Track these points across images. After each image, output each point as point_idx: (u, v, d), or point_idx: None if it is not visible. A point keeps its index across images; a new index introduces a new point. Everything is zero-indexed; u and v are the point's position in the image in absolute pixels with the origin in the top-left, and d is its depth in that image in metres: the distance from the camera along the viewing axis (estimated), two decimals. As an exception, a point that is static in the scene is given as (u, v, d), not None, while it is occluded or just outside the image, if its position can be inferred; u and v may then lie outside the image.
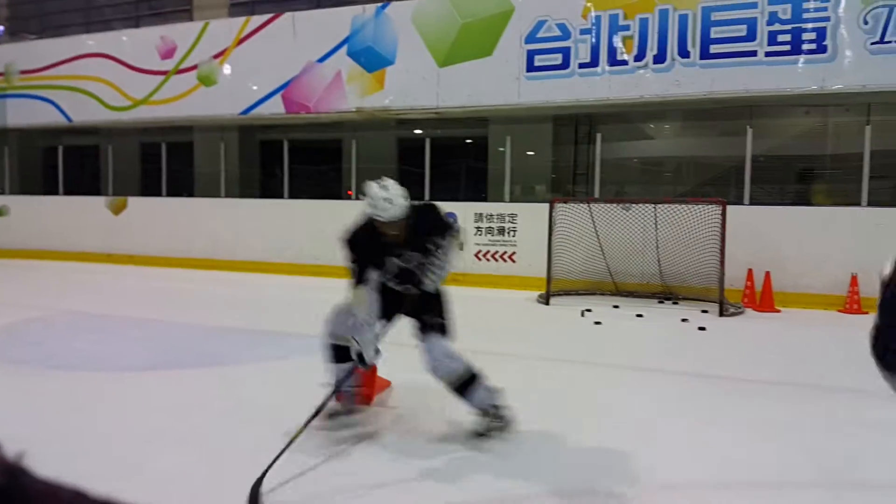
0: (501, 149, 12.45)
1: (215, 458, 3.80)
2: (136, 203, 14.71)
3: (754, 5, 9.56)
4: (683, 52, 9.96)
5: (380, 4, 11.90)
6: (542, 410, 4.54)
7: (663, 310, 9.39)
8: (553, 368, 6.03)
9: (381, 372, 4.86)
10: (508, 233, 11.22)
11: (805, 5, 9.33)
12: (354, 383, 4.39)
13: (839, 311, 9.23)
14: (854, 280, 9.15)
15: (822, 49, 9.30)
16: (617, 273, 10.32)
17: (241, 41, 13.05)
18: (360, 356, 3.94)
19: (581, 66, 10.56)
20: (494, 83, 11.11)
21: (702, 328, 7.97)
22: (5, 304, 9.04)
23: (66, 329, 7.51)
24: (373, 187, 3.89)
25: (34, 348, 6.55)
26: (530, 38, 10.85)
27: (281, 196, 13.89)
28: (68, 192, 15.82)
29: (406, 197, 3.91)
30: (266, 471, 3.38)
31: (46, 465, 0.93)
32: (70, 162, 16.14)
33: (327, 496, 3.35)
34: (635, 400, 4.99)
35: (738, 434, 4.28)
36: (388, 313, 4.18)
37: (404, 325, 4.22)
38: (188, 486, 3.43)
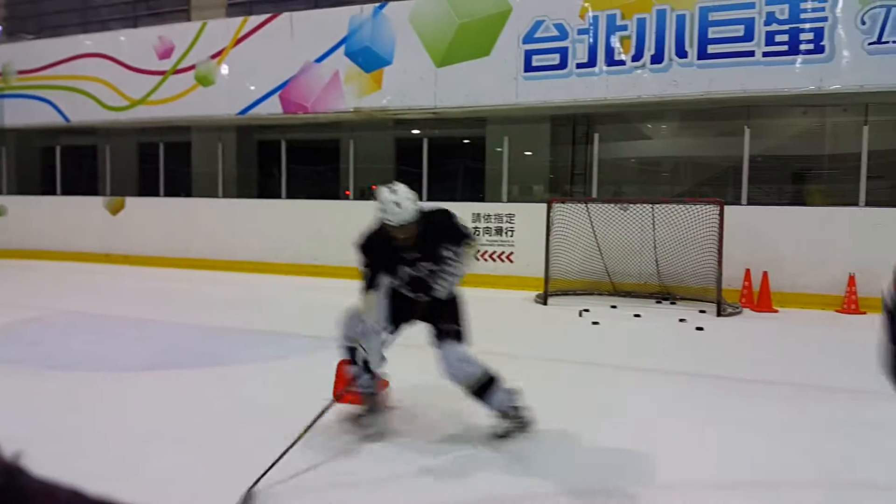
0: (499, 149, 12.46)
1: (213, 459, 3.80)
2: (133, 203, 14.69)
3: (752, 6, 9.57)
4: (681, 53, 9.97)
5: (377, 4, 11.89)
6: (540, 411, 4.52)
7: (661, 310, 9.40)
8: (551, 368, 6.03)
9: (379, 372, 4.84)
10: (506, 233, 11.22)
11: (802, 5, 9.34)
12: (372, 384, 4.37)
13: (837, 311, 9.24)
14: (852, 280, 9.16)
15: (819, 49, 9.31)
16: (615, 273, 10.33)
17: (238, 41, 13.04)
18: (366, 363, 3.97)
19: (579, 66, 10.56)
20: (492, 83, 11.11)
21: (699, 328, 7.98)
22: (3, 304, 9.02)
23: (63, 329, 7.50)
24: (383, 191, 3.89)
25: (31, 348, 6.54)
26: (528, 39, 10.85)
27: (279, 196, 13.87)
28: (66, 192, 15.81)
29: (416, 201, 3.90)
30: (267, 470, 3.38)
31: (44, 464, 0.93)
32: (68, 162, 16.13)
33: (328, 495, 3.35)
34: (633, 400, 4.99)
35: (736, 434, 4.28)
36: (401, 318, 4.18)
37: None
38: (186, 486, 3.43)
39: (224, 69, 13.22)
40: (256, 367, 5.99)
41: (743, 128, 10.63)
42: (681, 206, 9.68)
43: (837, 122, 11.64)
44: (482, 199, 12.78)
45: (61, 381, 5.41)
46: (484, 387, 4.06)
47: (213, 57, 13.27)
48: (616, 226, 10.06)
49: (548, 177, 13.52)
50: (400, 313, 4.16)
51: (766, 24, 9.52)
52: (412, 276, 4.09)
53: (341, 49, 12.19)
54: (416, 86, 11.66)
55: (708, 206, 9.31)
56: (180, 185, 15.37)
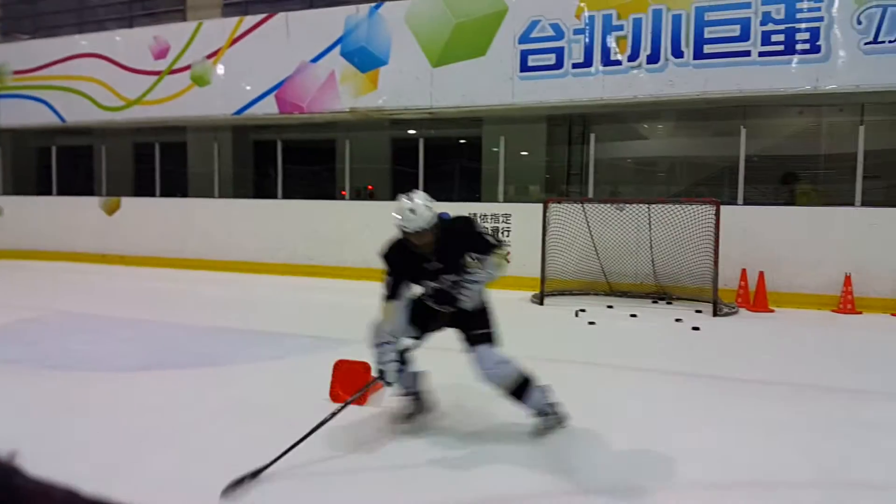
0: (495, 149, 12.45)
1: (209, 458, 3.78)
2: (129, 203, 14.66)
3: (748, 5, 9.57)
4: (677, 53, 9.97)
5: (373, 4, 11.88)
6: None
7: (657, 310, 9.40)
8: (547, 369, 5.97)
9: (377, 372, 4.83)
10: (502, 233, 11.21)
11: (798, 5, 9.34)
12: (414, 383, 4.42)
13: (833, 311, 9.25)
14: (848, 280, 9.17)
15: (815, 49, 9.32)
16: (611, 273, 10.33)
17: (234, 41, 13.02)
18: (381, 373, 4.01)
19: (575, 66, 10.56)
20: (488, 83, 11.10)
21: (696, 328, 7.98)
22: (-3, 305, 9.01)
23: (59, 329, 7.48)
24: (401, 199, 3.91)
25: (28, 348, 6.53)
26: (524, 38, 10.84)
27: (274, 196, 13.85)
28: (62, 192, 15.77)
29: (431, 207, 3.90)
30: (270, 463, 3.46)
31: (39, 464, 0.92)
32: (63, 162, 16.10)
33: (330, 493, 3.34)
34: (629, 400, 4.98)
35: (733, 434, 4.27)
36: (428, 326, 4.18)
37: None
38: (182, 486, 3.42)
39: (220, 69, 13.20)
40: (253, 367, 5.98)
41: (739, 128, 10.63)
42: (677, 206, 9.68)
43: (833, 122, 11.64)
44: (478, 200, 12.76)
45: (57, 381, 5.39)
46: (521, 387, 4.09)
47: (209, 57, 13.25)
48: (612, 226, 10.06)
49: (544, 177, 13.52)
50: (427, 321, 4.17)
51: (763, 23, 9.52)
52: (436, 289, 4.10)
53: (337, 49, 12.18)
54: (412, 86, 11.65)
55: (704, 206, 9.30)
56: (176, 186, 15.34)
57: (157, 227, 14.15)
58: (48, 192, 15.89)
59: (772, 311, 9.24)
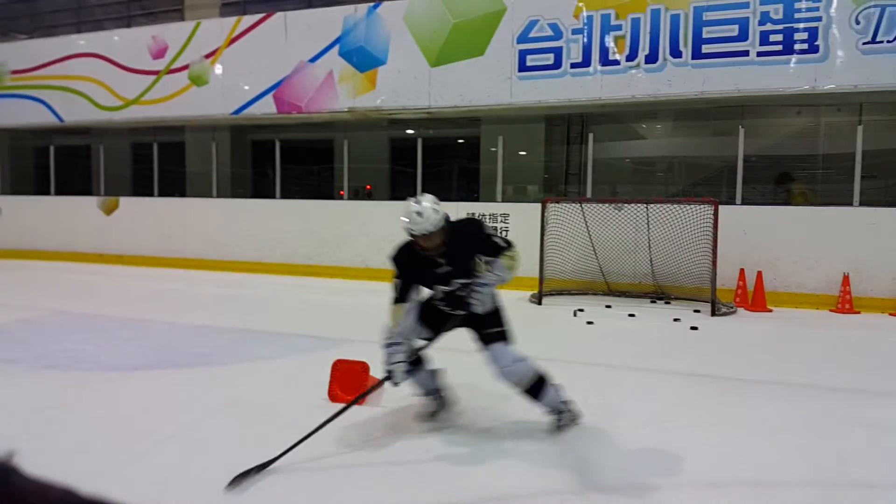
0: (493, 149, 12.45)
1: (206, 458, 3.78)
2: (127, 203, 14.66)
3: (746, 5, 9.57)
4: (675, 52, 9.97)
5: (371, 4, 11.87)
6: (535, 410, 4.52)
7: (655, 309, 9.40)
8: (545, 368, 6.01)
9: (375, 372, 4.83)
10: (500, 232, 11.21)
11: (797, 5, 9.34)
12: (433, 382, 4.46)
13: (831, 310, 9.26)
14: (846, 280, 9.18)
15: (813, 49, 9.32)
16: (609, 273, 10.33)
17: (232, 41, 13.01)
18: (390, 373, 4.03)
19: (573, 65, 10.55)
20: (486, 83, 11.10)
21: (694, 328, 7.98)
22: (-6, 305, 9.00)
23: (58, 329, 7.47)
24: (409, 202, 3.92)
25: (25, 348, 6.52)
26: (522, 38, 10.84)
27: (273, 196, 13.84)
28: (60, 192, 15.76)
29: (438, 210, 3.90)
30: (274, 459, 3.51)
31: (37, 464, 0.92)
32: (61, 162, 16.08)
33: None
34: (628, 400, 4.98)
35: (732, 433, 4.27)
36: (440, 327, 4.17)
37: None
38: (178, 486, 3.41)
39: (218, 69, 13.19)
40: (251, 366, 5.98)
41: (737, 127, 10.63)
42: (675, 205, 9.68)
43: (832, 122, 11.65)
44: (477, 199, 12.77)
45: (55, 380, 5.39)
46: (536, 385, 4.12)
47: (207, 57, 13.24)
48: (611, 225, 10.06)
49: (542, 177, 13.53)
50: (439, 321, 4.17)
51: (761, 23, 9.52)
52: (447, 292, 4.12)
53: (335, 49, 12.17)
54: (410, 85, 11.65)
55: (702, 206, 9.30)
56: (174, 185, 15.33)
57: (155, 226, 14.16)
58: (46, 192, 15.88)
59: (770, 310, 9.24)
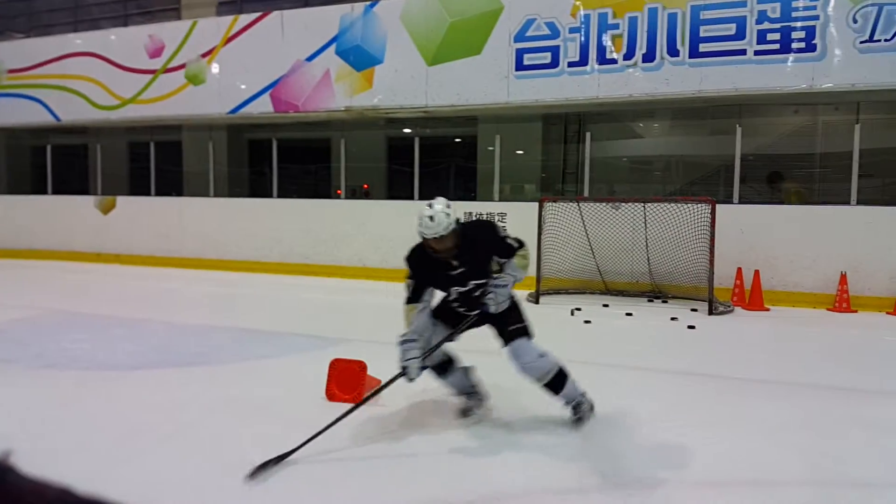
0: (491, 148, 12.44)
1: (203, 457, 3.77)
2: (124, 202, 14.65)
3: (743, 4, 9.57)
4: (673, 51, 9.97)
5: (368, 3, 11.86)
6: (533, 411, 4.53)
7: (653, 308, 9.40)
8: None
9: (372, 371, 4.83)
10: (499, 232, 11.20)
11: (794, 4, 9.34)
12: (465, 382, 4.48)
13: (829, 309, 9.27)
14: (843, 278, 9.18)
15: (811, 48, 9.32)
16: (606, 272, 10.34)
17: (229, 40, 13.00)
18: (404, 369, 4.05)
19: (570, 64, 10.55)
20: (483, 82, 11.09)
21: (691, 327, 7.98)
22: (-9, 305, 8.99)
23: (54, 328, 7.45)
24: (423, 206, 3.95)
25: (22, 347, 6.50)
26: (519, 37, 10.84)
27: (270, 195, 13.83)
28: (57, 191, 15.74)
29: (450, 214, 3.93)
30: (294, 450, 3.59)
31: (34, 463, 0.92)
32: (58, 161, 16.05)
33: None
34: (625, 399, 4.97)
35: (729, 432, 4.27)
36: (459, 325, 4.21)
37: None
38: (176, 485, 3.41)
39: (214, 68, 13.17)
40: (248, 365, 5.97)
41: (735, 126, 10.63)
42: (673, 204, 9.69)
43: (829, 121, 11.66)
44: (474, 198, 12.77)
45: (52, 379, 5.38)
46: (557, 379, 4.19)
47: (204, 56, 13.23)
48: (608, 224, 10.06)
49: (539, 176, 13.53)
50: (455, 323, 4.22)
51: (758, 22, 9.53)
52: (461, 293, 4.16)
53: (332, 48, 12.16)
54: (407, 84, 11.64)
55: (700, 205, 9.31)
56: (171, 185, 15.31)
57: (152, 226, 14.15)
58: (43, 192, 15.85)
59: (767, 309, 9.25)
